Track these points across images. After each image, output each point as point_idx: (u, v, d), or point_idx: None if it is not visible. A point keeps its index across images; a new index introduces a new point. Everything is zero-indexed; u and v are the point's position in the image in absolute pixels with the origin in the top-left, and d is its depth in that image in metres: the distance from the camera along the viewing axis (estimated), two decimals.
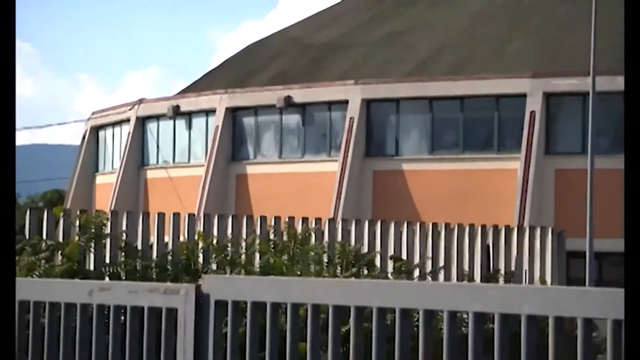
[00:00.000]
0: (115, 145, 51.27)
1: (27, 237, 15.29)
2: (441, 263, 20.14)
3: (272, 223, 18.13)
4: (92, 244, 15.17)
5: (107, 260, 15.36)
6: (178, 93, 51.77)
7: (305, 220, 18.66)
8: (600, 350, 4.50)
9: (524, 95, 40.59)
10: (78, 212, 16.57)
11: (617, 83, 38.74)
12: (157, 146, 49.25)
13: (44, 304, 6.28)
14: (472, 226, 21.27)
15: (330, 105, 43.93)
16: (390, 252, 19.32)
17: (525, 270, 21.80)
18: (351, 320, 5.15)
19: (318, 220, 19.14)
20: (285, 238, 17.64)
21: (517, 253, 21.85)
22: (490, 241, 21.30)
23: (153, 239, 16.69)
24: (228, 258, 16.28)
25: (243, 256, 16.79)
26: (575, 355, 4.58)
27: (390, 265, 18.67)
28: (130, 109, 50.30)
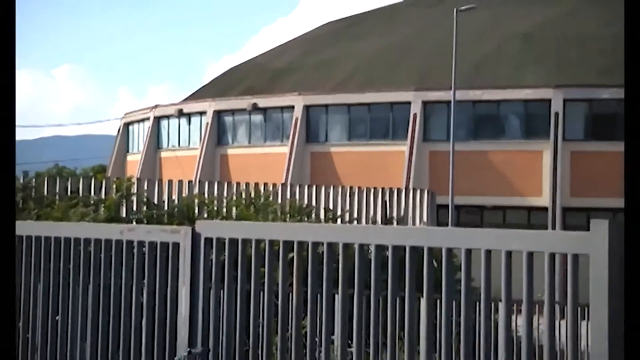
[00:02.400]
0: (140, 135, 51.09)
1: (81, 194, 15.19)
2: (355, 213, 20.22)
3: (244, 187, 18.10)
4: (124, 200, 15.09)
5: (134, 210, 15.28)
6: (181, 101, 51.63)
7: (265, 184, 18.65)
8: (457, 269, 4.43)
9: (409, 103, 40.71)
10: (115, 179, 16.51)
11: (469, 95, 38.95)
12: (168, 136, 49.22)
13: (91, 240, 6.21)
14: (375, 189, 21.40)
15: (282, 109, 44.00)
16: (322, 205, 19.35)
17: (410, 217, 21.93)
18: (295, 250, 5.13)
19: (274, 185, 19.15)
20: (252, 196, 17.63)
21: (405, 206, 21.95)
22: (387, 198, 21.40)
23: (165, 197, 16.64)
24: (214, 210, 16.24)
25: (224, 209, 16.76)
26: (441, 273, 4.57)
27: (322, 214, 18.69)
28: (149, 111, 50.23)
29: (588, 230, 4.09)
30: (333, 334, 4.98)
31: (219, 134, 46.08)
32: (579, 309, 4.23)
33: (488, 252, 4.43)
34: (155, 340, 5.75)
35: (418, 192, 23.32)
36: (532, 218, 38.45)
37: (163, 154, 48.82)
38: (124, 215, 14.92)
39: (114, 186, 15.79)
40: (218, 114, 46.01)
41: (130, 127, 52.89)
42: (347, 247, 4.95)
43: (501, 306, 4.31)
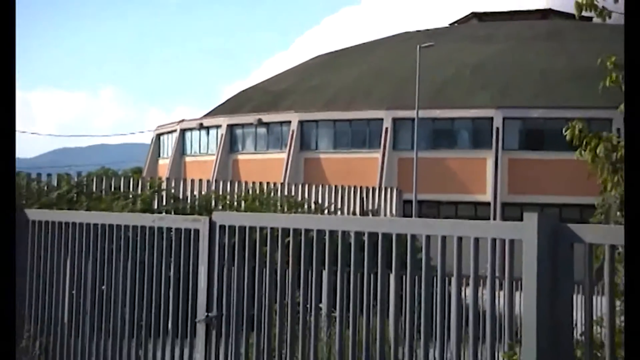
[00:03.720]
0: (168, 144, 50.87)
1: (122, 190, 15.15)
2: (339, 206, 20.20)
3: (251, 185, 18.07)
4: (155, 195, 15.06)
5: (164, 203, 15.23)
6: (201, 117, 51.39)
7: (267, 183, 18.61)
8: (419, 251, 4.42)
9: (382, 119, 40.74)
10: (148, 178, 16.49)
11: (430, 113, 38.97)
12: (191, 144, 49.07)
13: (129, 226, 6.19)
14: (355, 187, 21.38)
15: (281, 123, 43.97)
16: (313, 200, 19.33)
17: (382, 210, 21.92)
18: (291, 236, 5.12)
19: (275, 184, 19.12)
20: (257, 193, 17.60)
21: (378, 201, 21.94)
22: (364, 195, 21.38)
23: (189, 193, 16.59)
24: (227, 203, 16.21)
25: (235, 202, 16.73)
26: (406, 255, 4.57)
27: (313, 207, 18.68)
28: (176, 125, 50.13)
29: (521, 220, 4.10)
30: (321, 302, 4.98)
31: (231, 143, 46.04)
32: (514, 282, 4.23)
33: (443, 238, 4.43)
34: (180, 306, 5.74)
35: (389, 190, 23.31)
36: (478, 211, 38.47)
37: (187, 159, 48.69)
38: (155, 207, 14.88)
39: (148, 184, 15.77)
40: (230, 127, 45.99)
41: (161, 137, 52.72)
42: (332, 233, 4.95)
43: (453, 280, 4.32)
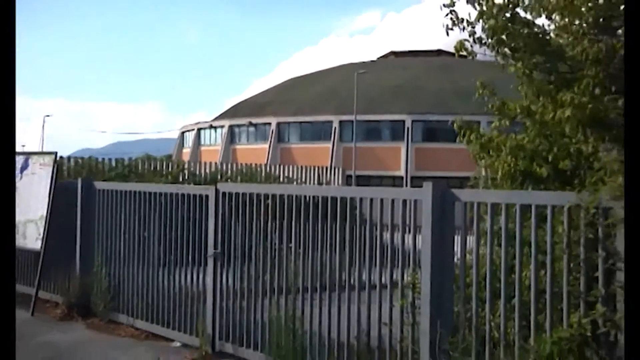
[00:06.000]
0: (189, 138, 50.04)
1: (159, 169, 14.91)
2: (303, 180, 20.08)
3: (244, 165, 17.87)
4: (180, 172, 14.85)
5: (186, 178, 15.04)
6: (211, 120, 50.44)
7: (255, 165, 18.42)
8: (355, 207, 4.43)
9: (332, 121, 40.38)
10: (176, 162, 16.22)
11: (365, 117, 38.84)
12: (204, 139, 48.34)
13: (163, 193, 6.14)
14: (314, 167, 21.18)
15: (265, 124, 43.45)
16: (286, 176, 19.20)
17: (332, 182, 21.85)
18: (270, 199, 5.08)
19: (260, 165, 18.90)
20: (249, 171, 17.42)
21: (329, 175, 21.86)
22: (320, 172, 21.26)
23: (202, 171, 16.39)
24: (228, 178, 16.05)
25: (233, 177, 16.57)
26: (346, 211, 4.56)
27: (285, 181, 18.55)
28: (195, 125, 49.41)
29: (421, 187, 4.12)
30: (291, 242, 4.96)
31: (231, 138, 45.41)
32: (418, 227, 4.24)
33: (372, 199, 4.44)
34: (196, 246, 5.68)
35: (336, 169, 23.22)
36: (395, 182, 38.63)
37: (202, 149, 47.91)
38: (180, 180, 14.67)
39: (175, 165, 15.52)
40: (231, 127, 45.34)
41: (184, 134, 51.82)
42: (297, 197, 4.92)
43: (378, 227, 4.33)
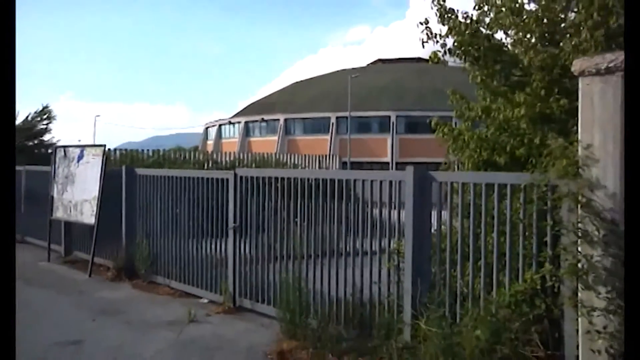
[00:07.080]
0: (213, 133, 49.87)
1: (187, 158, 14.89)
2: (307, 165, 20.04)
3: (258, 154, 17.83)
4: (205, 160, 14.83)
5: (210, 165, 15.03)
6: (230, 117, 50.02)
7: (267, 154, 18.37)
8: (350, 188, 4.44)
9: (330, 117, 40.17)
10: (202, 152, 16.19)
11: (357, 113, 38.66)
12: (225, 133, 48.14)
13: (198, 177, 6.15)
14: (316, 155, 21.21)
15: (275, 120, 43.25)
16: (293, 162, 19.17)
17: (330, 167, 21.82)
18: (279, 181, 5.09)
19: (271, 154, 18.84)
20: (261, 159, 17.37)
21: (328, 162, 21.81)
22: (321, 159, 21.24)
23: (224, 159, 16.36)
24: (244, 164, 16.03)
25: (249, 164, 16.56)
26: (342, 191, 4.58)
27: (292, 166, 18.52)
28: (216, 122, 49.18)
29: (405, 171, 4.13)
30: (297, 217, 4.98)
31: (246, 132, 45.28)
32: (402, 204, 4.27)
33: (363, 181, 4.45)
34: (219, 220, 5.70)
35: (333, 156, 23.22)
36: (383, 167, 38.54)
37: (223, 141, 47.72)
38: (205, 167, 14.69)
39: (201, 155, 15.51)
40: (246, 123, 45.13)
41: (208, 129, 51.64)
42: (302, 179, 4.93)
43: (369, 204, 4.36)
